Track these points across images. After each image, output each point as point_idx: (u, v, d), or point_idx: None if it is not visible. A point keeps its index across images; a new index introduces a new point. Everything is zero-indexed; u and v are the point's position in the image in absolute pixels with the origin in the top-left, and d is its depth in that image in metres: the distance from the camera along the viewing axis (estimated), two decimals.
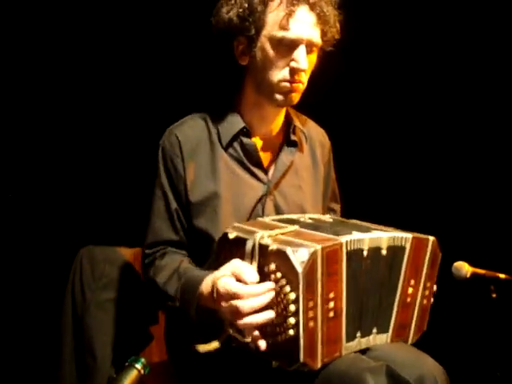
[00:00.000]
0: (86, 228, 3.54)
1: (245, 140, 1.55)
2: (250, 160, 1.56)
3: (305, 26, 1.45)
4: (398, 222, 1.66)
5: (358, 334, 1.32)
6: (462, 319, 1.61)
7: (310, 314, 1.16)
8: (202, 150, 1.55)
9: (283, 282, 1.16)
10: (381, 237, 1.34)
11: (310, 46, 1.47)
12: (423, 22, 2.72)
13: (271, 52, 1.46)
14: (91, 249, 1.82)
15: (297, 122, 1.66)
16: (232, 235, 1.29)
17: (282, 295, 1.17)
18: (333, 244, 1.21)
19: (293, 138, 1.63)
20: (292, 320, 1.15)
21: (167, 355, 1.82)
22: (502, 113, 2.73)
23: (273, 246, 1.18)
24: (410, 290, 1.41)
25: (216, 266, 1.32)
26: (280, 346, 1.19)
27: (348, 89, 2.66)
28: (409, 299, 1.41)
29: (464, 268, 1.73)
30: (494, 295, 1.80)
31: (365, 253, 1.30)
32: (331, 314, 1.22)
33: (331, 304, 1.21)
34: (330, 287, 1.21)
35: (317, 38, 1.48)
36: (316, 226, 1.39)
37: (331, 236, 1.26)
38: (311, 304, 1.16)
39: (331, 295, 1.21)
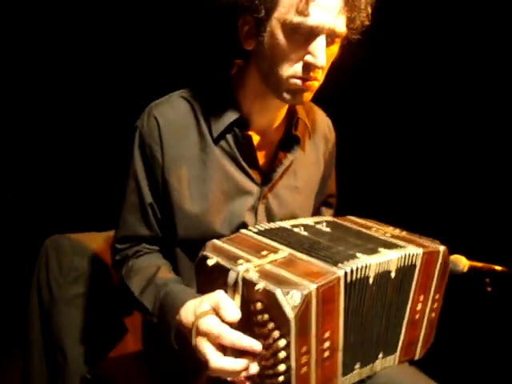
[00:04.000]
0: (49, 214, 3.53)
1: (239, 133, 1.32)
2: (244, 157, 1.34)
3: (328, 12, 1.16)
4: (393, 215, 1.55)
5: (358, 366, 1.19)
6: (453, 311, 1.54)
7: (303, 359, 1.02)
8: (188, 141, 1.32)
9: (271, 325, 1.00)
10: (390, 260, 1.16)
11: (331, 37, 1.20)
12: (424, 21, 2.64)
13: (283, 40, 1.18)
14: (57, 239, 1.67)
15: (301, 113, 1.43)
16: (211, 262, 1.10)
17: (271, 339, 1.00)
18: (329, 281, 1.03)
19: (294, 133, 1.40)
20: (282, 367, 1.01)
21: (142, 345, 1.73)
22: (489, 114, 2.70)
23: (260, 285, 0.99)
24: (419, 306, 1.27)
25: (197, 286, 1.16)
26: None
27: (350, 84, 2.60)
28: (417, 316, 1.28)
29: (461, 262, 1.63)
30: (489, 289, 1.74)
31: (371, 280, 1.13)
32: (326, 354, 1.07)
33: (326, 344, 1.06)
34: (326, 327, 1.05)
35: (341, 26, 1.20)
36: (312, 243, 1.20)
37: (328, 267, 1.07)
38: (304, 349, 1.01)
39: (327, 335, 1.06)
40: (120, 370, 1.71)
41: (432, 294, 1.29)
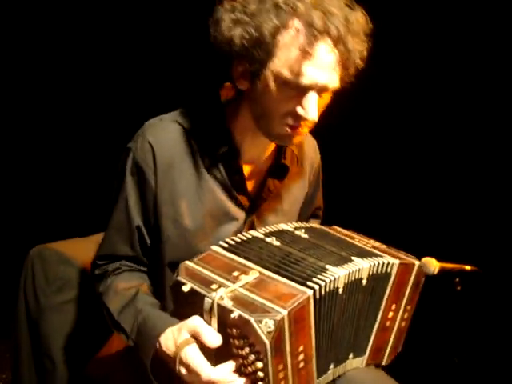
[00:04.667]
0: (32, 223, 3.59)
1: (232, 164, 1.36)
2: (234, 186, 1.38)
3: (322, 70, 1.17)
4: (368, 221, 1.61)
5: (331, 366, 1.27)
6: (423, 309, 1.61)
7: (280, 375, 1.09)
8: (181, 167, 1.33)
9: (248, 349, 1.06)
10: (361, 268, 1.22)
11: (324, 91, 1.23)
12: (421, 23, 2.67)
13: (275, 91, 1.20)
14: (42, 249, 1.71)
15: None
16: (186, 288, 1.13)
17: (249, 360, 1.07)
18: (299, 303, 1.08)
19: (283, 162, 1.44)
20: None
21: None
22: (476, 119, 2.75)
23: (235, 314, 1.05)
24: (391, 314, 1.34)
25: (174, 310, 1.21)
26: None
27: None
28: (388, 323, 1.35)
29: (432, 264, 1.69)
30: (459, 288, 1.81)
31: (340, 290, 1.19)
32: (301, 365, 1.14)
33: (301, 356, 1.13)
34: (299, 342, 1.12)
35: (334, 82, 1.22)
36: (282, 257, 1.23)
37: (298, 286, 1.11)
38: (280, 366, 1.08)
39: (300, 349, 1.13)
40: (107, 370, 1.77)
41: (404, 303, 1.35)
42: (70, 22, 3.52)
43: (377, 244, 1.41)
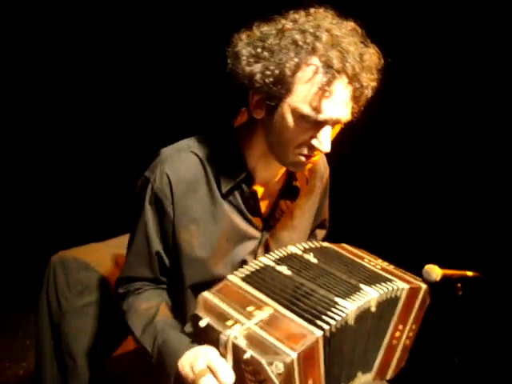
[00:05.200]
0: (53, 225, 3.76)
1: (246, 189, 1.41)
2: (249, 209, 1.43)
3: (338, 106, 1.24)
4: (369, 227, 1.66)
5: None
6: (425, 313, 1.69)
7: None
8: (198, 196, 1.39)
9: None
10: (370, 299, 1.27)
11: (337, 123, 1.30)
12: (421, 23, 2.72)
13: (292, 124, 1.26)
14: (63, 256, 1.80)
15: None
16: (203, 323, 1.20)
17: None
18: (309, 345, 1.14)
19: (295, 183, 1.50)
20: None
21: None
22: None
23: (247, 354, 1.11)
24: (397, 334, 1.40)
25: (193, 336, 1.28)
26: None
27: None
28: (394, 342, 1.42)
29: (434, 271, 1.75)
30: (460, 293, 1.88)
31: (351, 323, 1.24)
32: None
33: None
34: (308, 376, 1.18)
35: (347, 116, 1.29)
36: (294, 289, 1.27)
37: (308, 327, 1.16)
38: None
39: (310, 381, 1.19)
40: (124, 367, 1.88)
41: (410, 323, 1.41)
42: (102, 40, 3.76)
43: (384, 264, 1.46)
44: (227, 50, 1.32)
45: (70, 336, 1.76)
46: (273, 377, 1.09)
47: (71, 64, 3.90)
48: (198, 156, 1.40)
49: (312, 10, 1.30)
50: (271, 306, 1.22)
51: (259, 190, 1.46)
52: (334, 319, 1.19)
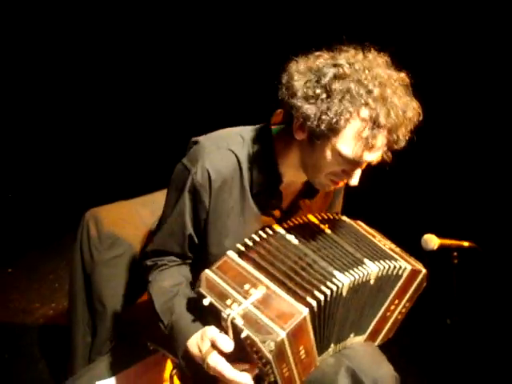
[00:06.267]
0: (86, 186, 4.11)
1: (275, 191, 1.54)
2: (272, 206, 1.57)
3: (373, 153, 1.35)
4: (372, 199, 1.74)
5: (332, 345, 1.50)
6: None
7: (284, 370, 1.34)
8: (232, 192, 1.51)
9: (255, 356, 1.30)
10: (370, 273, 1.41)
11: (368, 163, 1.40)
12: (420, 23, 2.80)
13: (329, 158, 1.36)
14: (96, 212, 1.99)
15: None
16: (206, 302, 1.35)
17: (259, 363, 1.31)
18: (297, 323, 1.28)
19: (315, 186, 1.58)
20: (271, 378, 1.35)
21: None
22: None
23: (244, 334, 1.27)
24: (392, 307, 1.56)
25: (202, 309, 1.42)
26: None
27: None
28: (388, 314, 1.57)
29: (432, 241, 1.89)
30: (456, 261, 2.03)
31: (344, 293, 1.38)
32: (303, 357, 1.38)
33: (302, 352, 1.36)
34: (299, 345, 1.34)
35: (378, 159, 1.39)
36: (295, 261, 1.42)
37: (297, 306, 1.30)
38: (284, 366, 1.33)
39: (301, 348, 1.35)
40: (144, 314, 2.08)
41: (405, 301, 1.57)
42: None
43: (393, 246, 1.60)
44: (281, 75, 1.39)
45: (100, 284, 1.96)
46: (266, 353, 1.26)
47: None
48: (236, 155, 1.51)
49: (370, 55, 1.37)
50: (264, 284, 1.37)
51: (284, 189, 1.57)
52: (325, 294, 1.33)
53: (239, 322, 1.30)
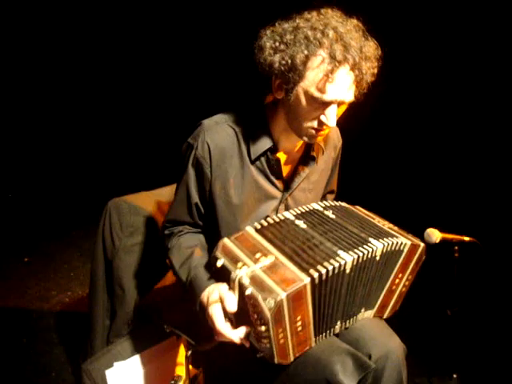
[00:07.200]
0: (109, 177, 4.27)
1: (271, 156, 1.67)
2: (273, 173, 1.70)
3: (341, 89, 1.49)
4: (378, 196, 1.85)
5: (338, 323, 1.59)
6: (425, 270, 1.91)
7: (280, 336, 1.42)
8: (231, 161, 1.66)
9: (257, 316, 1.39)
10: (375, 249, 1.50)
11: (342, 103, 1.54)
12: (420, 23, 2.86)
13: (304, 103, 1.52)
14: (117, 201, 2.10)
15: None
16: (219, 263, 1.48)
17: (258, 323, 1.39)
18: (297, 288, 1.37)
19: (312, 153, 1.74)
20: (265, 340, 1.42)
21: None
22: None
23: (248, 291, 1.37)
24: (397, 281, 1.66)
25: (213, 272, 1.57)
26: (261, 349, 1.47)
27: None
28: (394, 287, 1.67)
29: (434, 234, 2.00)
30: (457, 255, 2.14)
31: (348, 270, 1.47)
32: (299, 329, 1.46)
33: (298, 323, 1.44)
34: (297, 314, 1.42)
35: (350, 97, 1.53)
36: (303, 241, 1.52)
37: (300, 275, 1.40)
38: (280, 330, 1.41)
39: (298, 318, 1.43)
40: (162, 298, 2.18)
41: (407, 274, 1.67)
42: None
43: (391, 225, 1.70)
44: (254, 42, 1.56)
45: (120, 269, 2.07)
46: (266, 310, 1.35)
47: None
48: (233, 128, 1.68)
49: (323, 10, 1.54)
50: (274, 255, 1.48)
51: (282, 157, 1.72)
52: (327, 268, 1.43)
53: (246, 281, 1.40)
